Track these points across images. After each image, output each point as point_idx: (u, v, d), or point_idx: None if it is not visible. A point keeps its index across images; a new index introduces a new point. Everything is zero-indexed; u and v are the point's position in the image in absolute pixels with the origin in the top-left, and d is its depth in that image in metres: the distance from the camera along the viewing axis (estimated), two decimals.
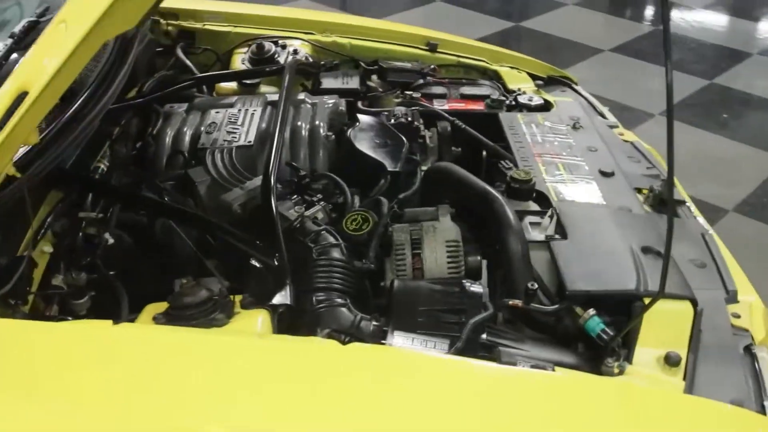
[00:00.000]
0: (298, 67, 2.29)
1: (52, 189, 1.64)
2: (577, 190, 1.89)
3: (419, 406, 1.16)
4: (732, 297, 1.65)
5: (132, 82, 2.18)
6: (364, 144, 1.92)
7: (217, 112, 2.02)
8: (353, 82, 2.40)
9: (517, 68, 2.61)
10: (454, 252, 1.65)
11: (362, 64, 2.47)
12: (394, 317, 1.45)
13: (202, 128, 1.94)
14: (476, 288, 1.52)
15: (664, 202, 1.90)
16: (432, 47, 2.59)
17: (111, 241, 1.61)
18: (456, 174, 1.82)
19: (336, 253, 1.57)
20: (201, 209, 1.73)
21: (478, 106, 2.39)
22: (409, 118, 2.07)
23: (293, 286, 1.47)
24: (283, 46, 2.48)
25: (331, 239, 1.60)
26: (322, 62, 2.49)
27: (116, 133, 1.93)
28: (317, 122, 1.98)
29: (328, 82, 2.40)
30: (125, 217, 1.69)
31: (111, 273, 1.57)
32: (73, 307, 1.49)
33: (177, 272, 1.52)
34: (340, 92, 2.33)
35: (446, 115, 2.24)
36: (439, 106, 2.38)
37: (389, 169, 1.87)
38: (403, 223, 1.72)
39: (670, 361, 1.43)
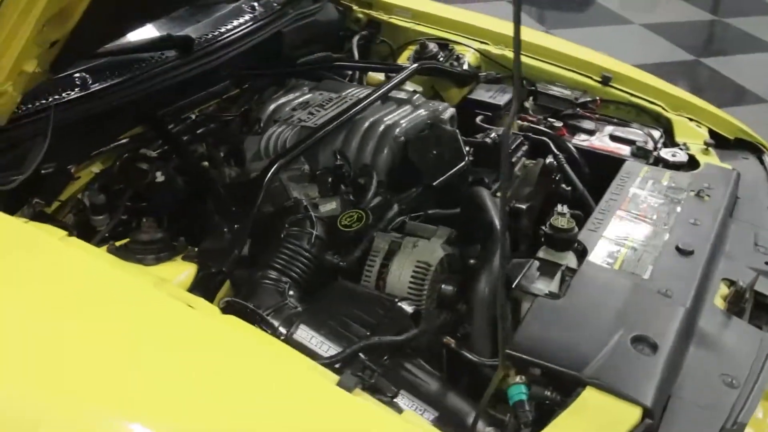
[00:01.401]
0: (436, 67, 2.30)
1: (137, 123, 1.91)
2: (632, 258, 1.65)
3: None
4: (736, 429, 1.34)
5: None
6: (417, 152, 1.88)
7: (320, 94, 2.12)
8: (501, 99, 2.33)
9: (698, 121, 2.29)
10: (420, 274, 1.57)
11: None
12: (308, 312, 1.45)
13: (294, 104, 2.06)
14: (407, 308, 1.44)
15: (742, 299, 1.59)
16: (605, 80, 2.39)
17: (160, 178, 1.82)
18: (479, 198, 1.71)
19: (304, 241, 1.60)
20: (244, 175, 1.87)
21: (623, 150, 2.17)
22: (495, 141, 1.97)
23: (251, 257, 1.55)
24: (450, 50, 2.50)
25: (307, 227, 1.62)
26: (483, 73, 2.46)
27: (233, 93, 2.15)
28: (397, 121, 1.98)
29: (477, 93, 2.37)
30: (187, 163, 1.89)
31: (143, 204, 1.79)
32: (93, 222, 1.73)
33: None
34: (482, 105, 2.30)
35: (553, 148, 2.07)
36: (579, 141, 2.21)
37: (425, 181, 1.81)
38: (399, 234, 1.67)
39: None
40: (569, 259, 1.67)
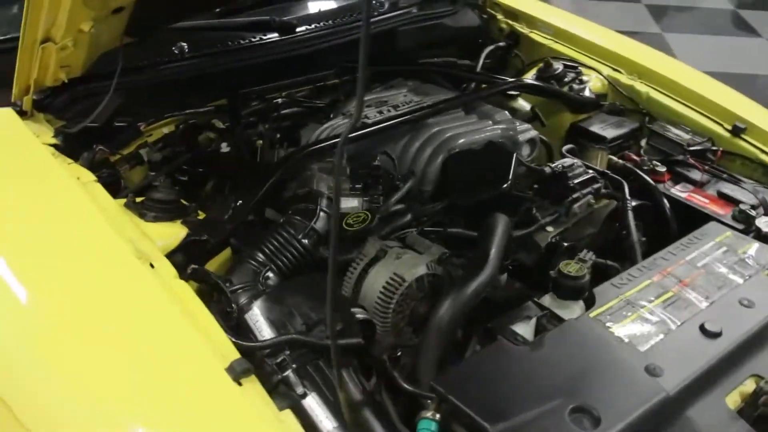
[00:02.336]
0: (536, 86, 2.23)
1: (220, 96, 2.04)
2: (640, 326, 1.46)
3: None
4: None
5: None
6: (456, 166, 1.80)
7: (404, 95, 2.11)
8: (611, 132, 2.15)
9: None
10: (392, 287, 1.51)
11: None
12: (269, 295, 1.47)
13: (375, 101, 2.07)
14: (358, 315, 1.41)
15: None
16: (736, 131, 2.10)
17: (225, 149, 1.93)
18: (489, 225, 1.60)
19: (300, 232, 1.62)
20: None
21: (722, 210, 1.91)
22: (556, 171, 1.83)
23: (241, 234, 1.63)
24: (577, 72, 2.34)
25: (308, 218, 1.64)
26: (603, 102, 2.29)
27: (330, 83, 2.21)
28: (463, 133, 1.92)
29: (589, 121, 2.21)
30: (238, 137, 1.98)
31: (200, 170, 1.92)
32: (148, 178, 1.89)
33: None
34: (586, 134, 2.15)
35: (626, 191, 1.88)
36: (678, 191, 1.98)
37: (454, 197, 1.74)
38: (396, 243, 1.62)
39: None
40: (572, 310, 1.52)
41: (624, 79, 2.32)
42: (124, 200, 1.65)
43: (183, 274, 1.49)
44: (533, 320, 1.45)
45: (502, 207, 1.74)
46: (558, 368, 1.35)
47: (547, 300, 1.54)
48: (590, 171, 1.90)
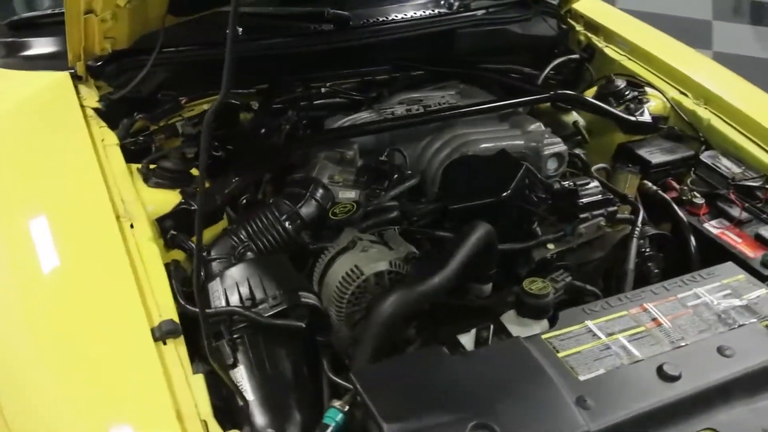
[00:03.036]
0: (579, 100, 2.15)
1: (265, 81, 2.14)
2: (591, 355, 1.39)
3: None
4: None
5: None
6: (457, 172, 1.77)
7: (443, 97, 2.10)
8: (659, 157, 2.04)
9: None
10: (350, 278, 1.51)
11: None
12: (234, 269, 1.53)
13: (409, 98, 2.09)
14: (305, 300, 1.45)
15: None
16: None
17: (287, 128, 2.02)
18: (464, 231, 1.57)
19: (285, 215, 1.67)
20: None
21: (752, 252, 1.77)
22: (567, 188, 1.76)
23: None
24: (641, 92, 2.22)
25: (292, 206, 1.69)
26: (662, 125, 2.16)
27: (380, 78, 2.23)
28: (483, 139, 1.89)
29: (639, 144, 2.10)
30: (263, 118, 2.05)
31: (229, 147, 2.02)
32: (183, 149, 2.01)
33: None
34: (630, 156, 2.05)
35: (640, 219, 1.77)
36: (711, 226, 1.85)
37: (444, 201, 1.72)
38: (371, 236, 1.62)
39: None
40: (531, 328, 1.47)
41: (688, 103, 2.18)
42: (138, 165, 1.78)
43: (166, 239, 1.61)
44: (473, 332, 1.42)
45: (499, 217, 1.71)
46: (480, 383, 1.31)
47: (508, 316, 1.50)
48: (607, 193, 1.81)
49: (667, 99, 2.20)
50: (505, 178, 1.74)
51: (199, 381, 1.29)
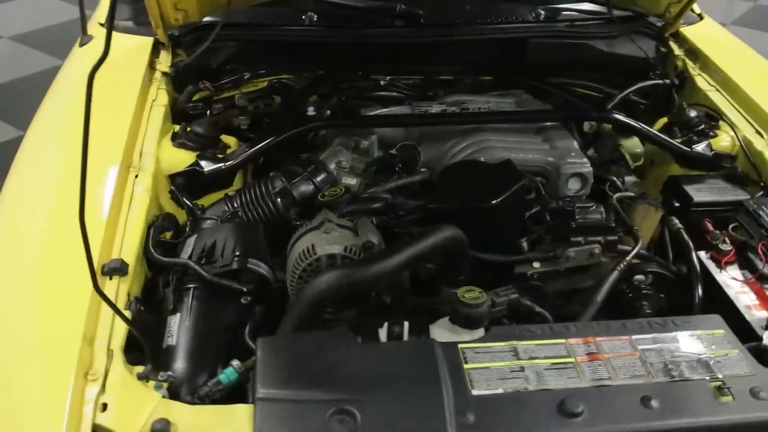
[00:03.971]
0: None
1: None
2: (499, 373, 1.34)
3: None
4: None
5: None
6: (452, 175, 1.76)
7: (490, 103, 2.08)
8: (705, 195, 1.88)
9: None
10: (304, 255, 1.57)
11: None
12: (211, 228, 1.69)
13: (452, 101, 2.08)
14: (253, 267, 1.54)
15: None
16: None
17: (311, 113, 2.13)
18: (424, 231, 1.57)
19: (277, 190, 1.77)
20: None
21: (761, 311, 1.59)
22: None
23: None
24: (712, 126, 2.05)
25: (286, 182, 1.78)
26: (727, 164, 1.98)
27: (443, 78, 2.25)
28: (501, 147, 1.88)
29: (693, 179, 1.94)
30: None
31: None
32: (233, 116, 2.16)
33: None
34: (674, 190, 1.92)
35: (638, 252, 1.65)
36: (728, 277, 1.69)
37: (426, 201, 1.73)
38: (344, 221, 1.66)
39: None
40: (461, 336, 1.45)
41: (760, 143, 1.97)
42: (177, 126, 1.96)
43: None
44: (386, 325, 1.43)
45: (485, 225, 1.69)
46: (368, 373, 1.33)
47: (442, 321, 1.49)
48: (611, 221, 1.71)
49: (737, 136, 2.01)
50: (500, 188, 1.71)
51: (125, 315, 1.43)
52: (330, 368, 1.35)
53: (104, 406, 1.27)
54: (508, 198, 1.69)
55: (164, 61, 2.17)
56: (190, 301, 1.52)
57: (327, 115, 2.04)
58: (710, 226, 1.81)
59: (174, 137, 1.90)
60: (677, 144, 1.98)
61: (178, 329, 1.47)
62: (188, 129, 1.92)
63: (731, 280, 1.69)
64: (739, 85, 2.14)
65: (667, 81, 2.28)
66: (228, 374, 1.37)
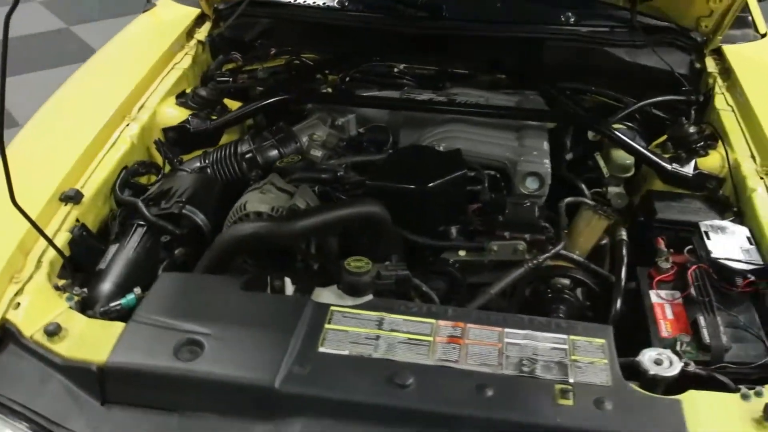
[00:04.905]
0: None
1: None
2: (354, 337, 1.41)
3: None
4: None
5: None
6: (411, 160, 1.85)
7: (482, 98, 2.12)
8: (672, 214, 1.81)
9: None
10: (236, 210, 1.73)
11: None
12: (171, 176, 1.89)
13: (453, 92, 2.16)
14: (189, 212, 1.72)
15: None
16: None
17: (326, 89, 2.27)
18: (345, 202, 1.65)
19: (243, 153, 1.96)
20: None
21: (670, 331, 1.54)
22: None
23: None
24: (707, 146, 1.96)
25: (251, 146, 1.96)
26: (711, 185, 1.90)
27: (461, 71, 2.30)
28: (464, 138, 1.92)
29: (668, 197, 1.88)
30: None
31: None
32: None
33: None
34: (647, 206, 1.87)
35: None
36: (655, 291, 1.63)
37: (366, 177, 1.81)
38: (287, 185, 1.79)
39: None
40: (343, 300, 1.53)
41: (748, 168, 1.86)
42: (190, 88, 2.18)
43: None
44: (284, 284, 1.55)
45: (416, 207, 1.75)
46: (235, 315, 1.47)
47: (333, 287, 1.57)
48: (540, 221, 1.71)
49: (727, 158, 1.91)
50: (438, 174, 1.76)
51: (63, 235, 1.65)
52: (203, 306, 1.49)
53: (17, 305, 1.49)
54: (442, 184, 1.75)
55: (204, 30, 2.39)
56: (130, 235, 1.71)
57: (321, 92, 2.17)
58: (662, 244, 1.75)
59: (178, 97, 2.12)
60: (657, 160, 1.92)
61: (112, 257, 1.67)
62: (194, 91, 2.13)
63: (657, 297, 1.63)
64: (753, 108, 2.02)
65: (684, 98, 2.18)
66: (128, 299, 1.55)
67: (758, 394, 1.35)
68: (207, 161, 1.95)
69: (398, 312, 1.49)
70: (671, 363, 1.40)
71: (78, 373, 1.39)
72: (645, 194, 1.92)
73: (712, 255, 1.65)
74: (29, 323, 1.47)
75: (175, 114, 2.08)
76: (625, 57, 2.25)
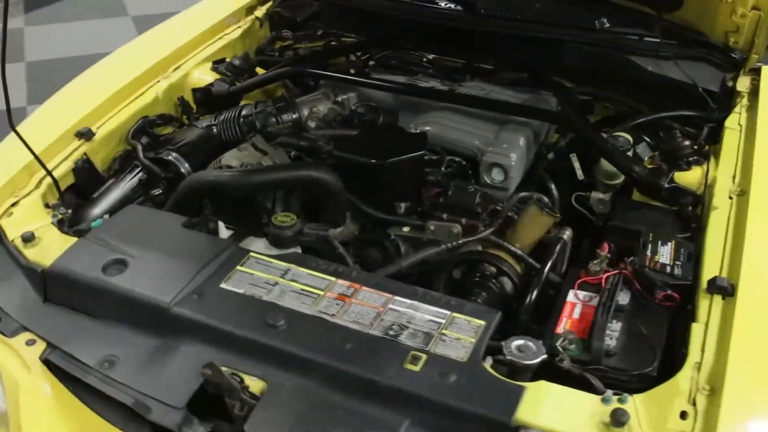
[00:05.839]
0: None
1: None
2: (256, 281, 1.56)
3: None
4: None
5: None
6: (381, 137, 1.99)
7: (482, 89, 2.16)
8: (633, 225, 1.78)
9: None
10: (214, 163, 1.94)
11: None
12: (182, 129, 2.13)
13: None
14: (175, 160, 1.97)
15: None
16: None
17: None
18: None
19: (246, 116, 2.14)
20: None
21: (566, 328, 1.55)
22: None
23: None
24: (694, 160, 1.90)
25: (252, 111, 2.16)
26: (684, 200, 1.84)
27: (485, 66, 2.35)
28: (443, 124, 1.99)
29: (636, 205, 1.86)
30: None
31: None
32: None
33: None
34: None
35: None
36: (576, 296, 1.64)
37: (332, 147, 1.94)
38: (269, 147, 1.97)
39: None
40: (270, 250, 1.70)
41: (721, 188, 1.77)
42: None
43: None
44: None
45: (372, 180, 1.88)
46: (161, 243, 1.68)
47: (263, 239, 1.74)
48: (478, 208, 1.76)
49: (706, 175, 1.83)
50: (398, 153, 1.86)
51: (68, 164, 1.93)
52: (143, 234, 1.71)
53: (11, 214, 1.79)
54: (398, 162, 1.85)
55: (264, 9, 2.63)
56: (126, 173, 1.98)
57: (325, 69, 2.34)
58: (605, 249, 1.74)
59: (215, 63, 2.36)
60: (631, 170, 1.88)
61: (105, 189, 1.94)
62: (230, 60, 2.36)
63: (574, 297, 1.64)
64: (757, 131, 1.92)
65: (699, 113, 2.10)
66: (96, 222, 1.81)
67: (621, 401, 1.35)
68: (216, 121, 2.17)
69: (307, 267, 1.62)
70: (534, 353, 1.43)
71: (31, 274, 1.65)
72: (613, 200, 1.90)
73: (643, 265, 1.63)
74: (14, 229, 1.76)
75: (205, 78, 2.33)
76: (652, 68, 2.20)
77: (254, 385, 1.41)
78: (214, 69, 2.35)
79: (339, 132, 2.09)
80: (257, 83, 2.28)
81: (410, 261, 1.71)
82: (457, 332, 1.48)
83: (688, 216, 1.80)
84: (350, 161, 1.88)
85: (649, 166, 1.93)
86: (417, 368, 1.40)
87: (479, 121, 2.03)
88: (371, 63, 2.41)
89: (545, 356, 1.43)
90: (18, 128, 1.85)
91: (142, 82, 2.20)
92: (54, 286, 1.62)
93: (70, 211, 1.85)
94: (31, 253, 1.69)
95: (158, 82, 2.23)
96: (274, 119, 2.15)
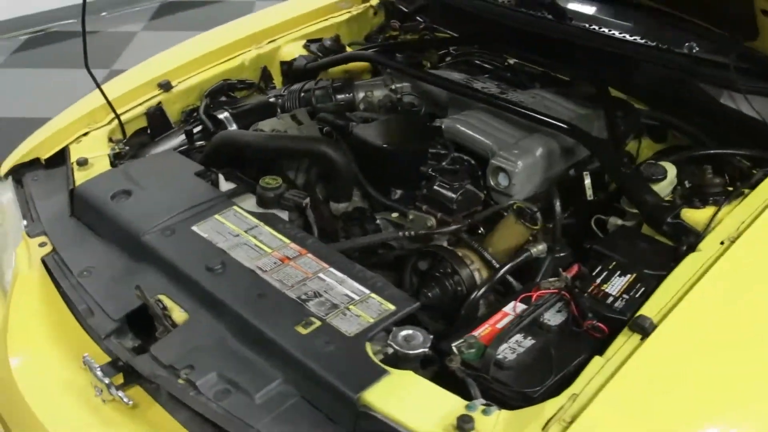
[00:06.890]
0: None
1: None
2: (219, 229, 1.73)
3: None
4: None
5: None
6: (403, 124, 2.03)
7: (533, 96, 2.12)
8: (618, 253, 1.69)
9: None
10: (254, 128, 2.11)
11: None
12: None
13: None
14: (225, 119, 2.20)
15: None
16: None
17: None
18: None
19: (307, 91, 2.31)
20: None
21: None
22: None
23: None
24: (716, 200, 1.71)
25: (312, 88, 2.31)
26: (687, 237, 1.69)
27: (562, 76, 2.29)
28: (467, 122, 2.01)
29: (631, 232, 1.75)
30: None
31: None
32: None
33: None
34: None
35: None
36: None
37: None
38: (311, 121, 2.12)
39: None
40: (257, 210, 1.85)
41: (721, 231, 1.60)
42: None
43: None
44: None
45: (384, 165, 1.96)
46: (168, 182, 1.92)
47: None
48: (453, 205, 1.77)
49: (713, 216, 1.66)
50: (407, 142, 1.93)
51: (142, 108, 2.24)
52: (157, 174, 1.94)
53: (80, 141, 2.13)
54: (403, 150, 1.91)
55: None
56: (188, 124, 2.24)
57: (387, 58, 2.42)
58: (573, 269, 1.67)
59: (309, 41, 2.54)
60: (641, 198, 1.76)
61: (167, 134, 2.22)
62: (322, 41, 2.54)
63: (510, 308, 1.60)
64: None
65: (751, 152, 1.89)
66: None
67: (486, 412, 1.33)
68: (284, 93, 2.36)
69: (274, 227, 1.76)
70: (418, 345, 1.44)
71: (69, 191, 1.96)
72: (617, 228, 1.80)
73: (584, 290, 1.55)
74: (76, 154, 2.09)
75: (295, 53, 2.52)
76: (723, 99, 2.01)
77: (178, 315, 1.58)
78: (305, 47, 2.54)
79: (368, 115, 2.18)
80: (328, 63, 2.43)
81: (363, 241, 1.77)
82: (362, 311, 1.53)
83: (680, 255, 1.66)
84: (361, 142, 1.98)
85: (668, 199, 1.79)
86: (305, 332, 1.47)
87: (509, 126, 2.01)
88: (447, 59, 2.45)
89: (426, 350, 1.43)
90: (114, 79, 2.18)
91: (233, 49, 2.45)
92: (77, 204, 1.91)
93: (127, 147, 2.14)
94: (81, 176, 2.00)
95: (249, 51, 2.47)
96: (329, 98, 2.29)
